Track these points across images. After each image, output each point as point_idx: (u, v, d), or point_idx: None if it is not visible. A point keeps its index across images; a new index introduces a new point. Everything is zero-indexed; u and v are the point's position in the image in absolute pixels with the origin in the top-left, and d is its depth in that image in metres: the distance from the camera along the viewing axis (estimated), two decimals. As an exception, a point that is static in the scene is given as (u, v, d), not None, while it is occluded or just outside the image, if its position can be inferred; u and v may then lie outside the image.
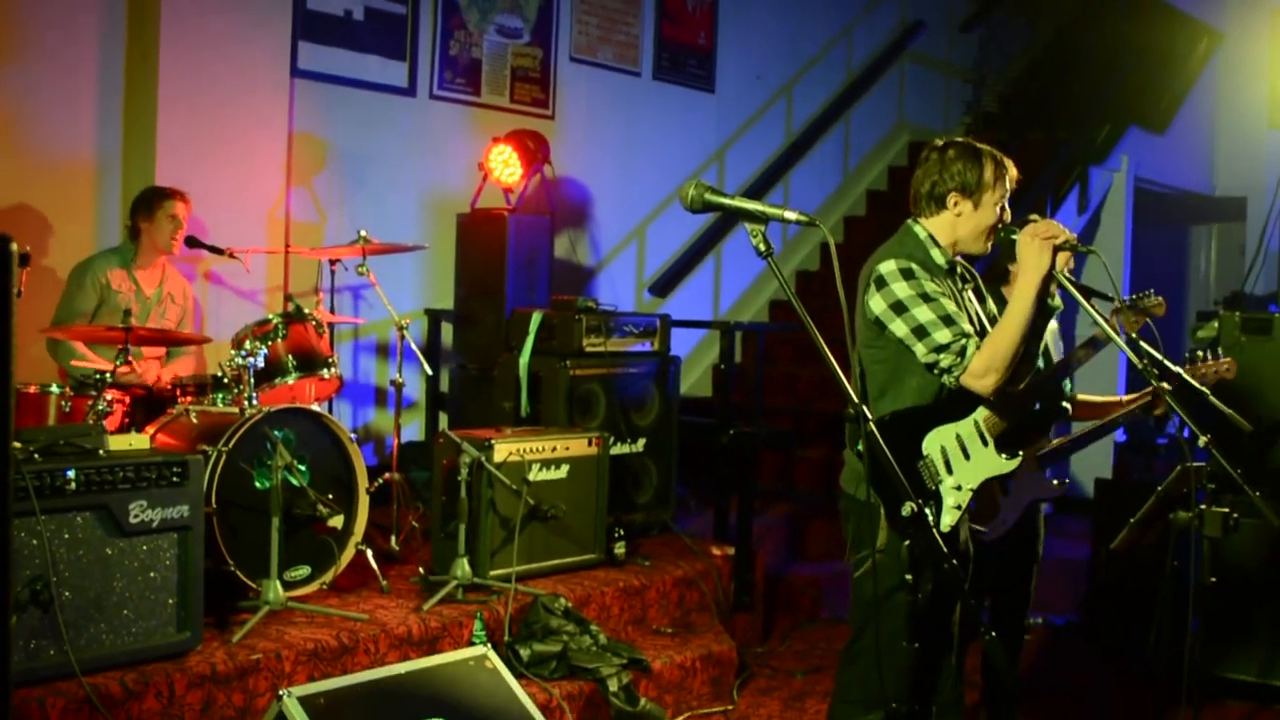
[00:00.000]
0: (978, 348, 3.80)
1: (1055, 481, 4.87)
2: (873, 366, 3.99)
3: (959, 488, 3.88)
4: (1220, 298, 14.21)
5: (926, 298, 3.85)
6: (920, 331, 3.83)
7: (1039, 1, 12.93)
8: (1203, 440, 3.65)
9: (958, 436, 3.92)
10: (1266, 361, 5.97)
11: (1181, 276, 15.41)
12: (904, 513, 3.05)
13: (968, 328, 3.85)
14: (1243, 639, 5.97)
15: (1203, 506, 3.86)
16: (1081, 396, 5.16)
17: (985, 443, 3.93)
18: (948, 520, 3.84)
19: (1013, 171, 4.04)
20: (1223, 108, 13.32)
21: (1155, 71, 12.29)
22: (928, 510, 3.08)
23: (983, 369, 3.79)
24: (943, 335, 3.81)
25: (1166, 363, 3.93)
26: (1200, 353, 4.81)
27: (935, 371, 3.86)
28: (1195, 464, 3.87)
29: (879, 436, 3.06)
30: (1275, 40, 7.05)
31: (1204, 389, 3.92)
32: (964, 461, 3.91)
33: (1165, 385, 3.78)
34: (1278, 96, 6.95)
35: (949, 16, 12.33)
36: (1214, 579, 3.93)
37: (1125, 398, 5.11)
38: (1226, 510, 3.82)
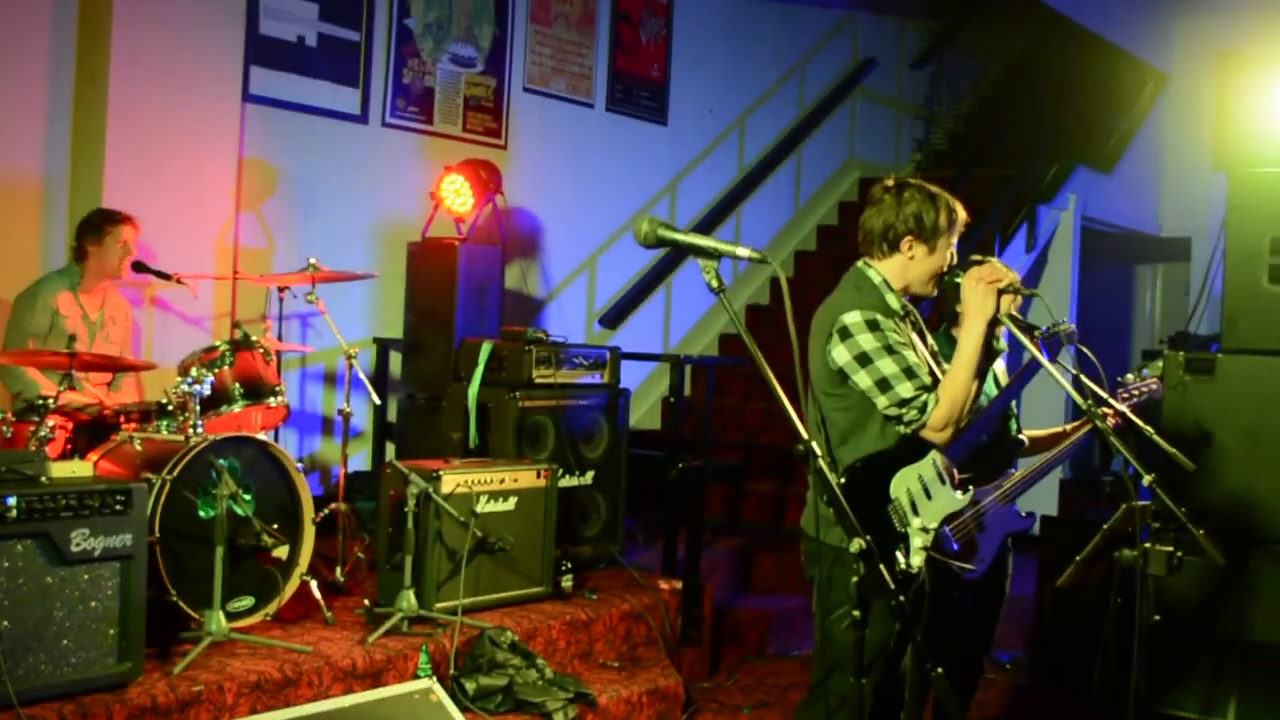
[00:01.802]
0: (938, 401, 3.82)
1: (1024, 514, 4.90)
2: (834, 414, 3.99)
3: (925, 529, 3.89)
4: (1165, 337, 14.36)
5: (890, 350, 3.87)
6: (884, 384, 3.86)
7: (989, 40, 13.09)
8: (1147, 479, 3.67)
9: (920, 477, 3.94)
10: (1210, 401, 6.03)
11: (1127, 316, 15.56)
12: (852, 549, 3.05)
13: (927, 379, 3.88)
14: (1186, 676, 6.00)
15: (1147, 545, 3.88)
16: (1028, 432, 5.19)
17: (943, 481, 3.95)
18: (917, 561, 3.84)
19: (961, 214, 4.05)
20: (1168, 149, 13.50)
21: (1103, 112, 12.45)
22: (899, 553, 3.11)
23: (942, 422, 3.83)
24: (905, 389, 3.84)
25: (1112, 401, 3.97)
26: (1129, 375, 4.87)
27: (896, 424, 3.88)
28: (1140, 503, 3.90)
29: (826, 471, 3.06)
30: (1220, 83, 7.13)
31: (1148, 428, 3.95)
32: (927, 502, 3.93)
33: (1108, 420, 3.83)
34: (1222, 139, 7.02)
35: (900, 54, 12.46)
36: (1158, 617, 3.95)
37: (1070, 427, 5.14)
38: (1170, 549, 3.85)
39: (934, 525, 3.93)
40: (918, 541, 3.88)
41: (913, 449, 3.94)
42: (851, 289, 4.04)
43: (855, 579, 3.14)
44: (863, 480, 3.84)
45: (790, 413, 3.00)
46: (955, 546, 4.65)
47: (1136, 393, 4.78)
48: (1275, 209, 5.98)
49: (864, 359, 3.87)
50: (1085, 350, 4.13)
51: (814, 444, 3.04)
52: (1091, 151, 12.18)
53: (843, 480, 3.78)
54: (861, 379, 3.88)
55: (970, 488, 4.02)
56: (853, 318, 3.91)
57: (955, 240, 4.04)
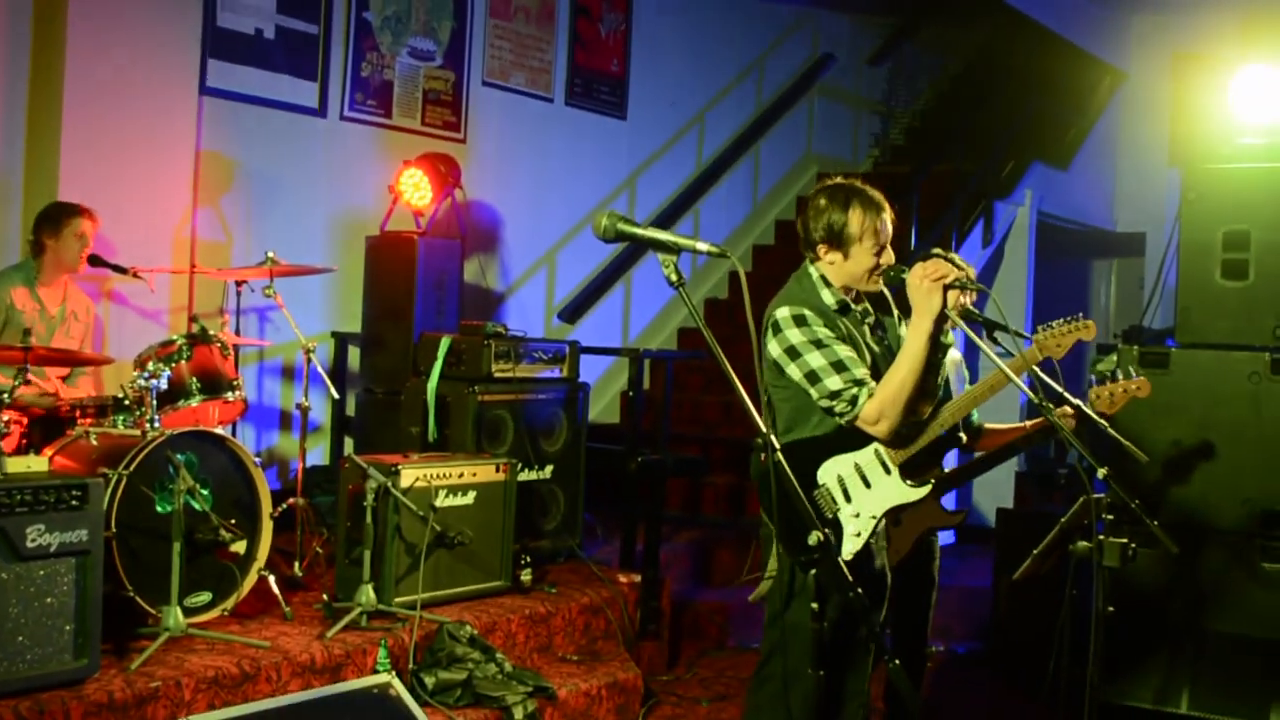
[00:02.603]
0: (870, 395, 3.85)
1: (953, 510, 4.92)
2: (780, 404, 4.08)
3: (858, 515, 3.93)
4: (1120, 331, 14.47)
5: (819, 344, 3.93)
6: (813, 377, 3.92)
7: (947, 37, 13.16)
8: (1101, 472, 3.71)
9: (856, 465, 3.97)
10: (1163, 394, 6.08)
11: (1083, 310, 15.55)
12: (810, 541, 3.07)
13: (861, 372, 3.92)
14: (1140, 667, 6.07)
15: (1101, 537, 3.93)
16: (987, 425, 5.22)
17: (888, 471, 3.98)
18: (848, 548, 3.89)
19: (886, 216, 4.04)
20: (1124, 145, 13.61)
21: (1060, 109, 12.54)
22: (812, 539, 3.12)
23: (875, 415, 3.87)
24: (834, 382, 3.89)
25: (1066, 395, 3.99)
26: (1116, 372, 4.88)
27: (831, 415, 3.92)
28: (1095, 495, 3.93)
29: (785, 466, 3.08)
30: (1176, 81, 7.20)
31: (1102, 421, 3.98)
32: (864, 490, 3.96)
33: (1064, 414, 3.86)
34: (1177, 135, 7.09)
35: (858, 50, 12.51)
36: (1112, 608, 3.99)
37: (1028, 424, 5.18)
38: (1125, 540, 3.89)
39: (876, 514, 3.96)
40: (850, 529, 3.92)
41: (851, 438, 3.97)
42: (794, 284, 4.13)
43: (814, 572, 3.17)
44: (790, 465, 3.87)
45: (749, 406, 3.02)
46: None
47: (1115, 393, 4.76)
48: (1228, 204, 6.04)
49: (793, 352, 3.95)
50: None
51: (772, 437, 3.07)
52: (1048, 148, 12.27)
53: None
54: (793, 371, 3.96)
55: (932, 481, 4.04)
56: (781, 313, 4.01)
57: (883, 240, 4.02)
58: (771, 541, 4.08)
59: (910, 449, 4.00)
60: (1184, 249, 6.17)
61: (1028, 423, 5.19)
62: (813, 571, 3.19)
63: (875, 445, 3.98)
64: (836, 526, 3.90)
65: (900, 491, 3.99)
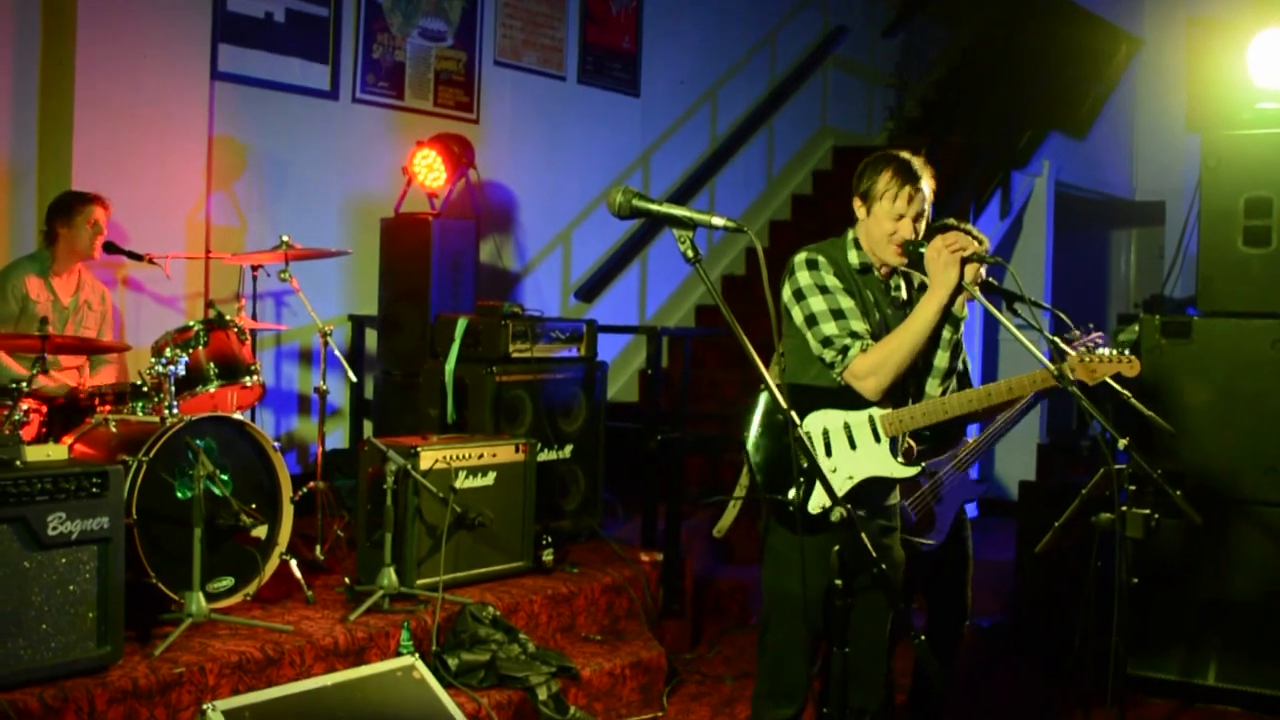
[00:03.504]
0: (864, 350, 3.82)
1: (979, 480, 4.90)
2: (789, 353, 4.04)
3: (834, 471, 3.86)
4: (1140, 301, 14.41)
5: (824, 289, 3.91)
6: (811, 320, 3.90)
7: (960, 7, 13.06)
8: (1123, 443, 3.68)
9: (846, 424, 3.91)
10: (1186, 363, 6.06)
11: (1102, 280, 15.61)
12: (833, 519, 3.05)
13: (858, 325, 3.88)
14: (1165, 638, 6.04)
15: (1124, 508, 3.90)
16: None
17: (878, 440, 3.92)
18: (817, 501, 3.80)
19: (919, 187, 3.95)
20: (1142, 113, 13.53)
21: (1076, 77, 12.45)
22: (792, 492, 3.13)
23: (865, 371, 3.83)
24: (830, 328, 3.86)
25: (1048, 364, 3.89)
26: (1109, 344, 4.82)
27: (822, 364, 3.89)
28: (1118, 466, 3.90)
29: (805, 441, 3.06)
30: (1192, 47, 7.15)
31: (1125, 392, 3.94)
32: (848, 449, 3.90)
33: (1078, 389, 3.78)
34: (1195, 101, 7.04)
35: (871, 22, 12.42)
36: (1136, 579, 3.97)
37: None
38: (1148, 511, 3.86)
39: (855, 476, 3.88)
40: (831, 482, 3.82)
41: (849, 395, 3.91)
42: (828, 240, 4.09)
43: (836, 547, 3.15)
44: (770, 409, 3.85)
45: (769, 382, 3.00)
46: (914, 520, 4.66)
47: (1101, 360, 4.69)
48: (1249, 171, 6.00)
49: (799, 295, 3.94)
50: (1061, 315, 4.11)
51: (793, 413, 3.04)
52: (1065, 117, 12.18)
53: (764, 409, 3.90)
54: (796, 314, 3.95)
55: (921, 464, 3.97)
56: (798, 257, 4.00)
57: (907, 208, 3.93)
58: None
59: (908, 424, 3.93)
60: (1205, 217, 6.13)
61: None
62: (835, 547, 3.16)
63: (871, 411, 3.92)
64: (809, 477, 3.81)
65: (886, 464, 3.91)
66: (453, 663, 5.04)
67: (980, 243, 4.22)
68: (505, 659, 5.16)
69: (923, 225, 3.97)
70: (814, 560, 3.54)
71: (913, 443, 3.98)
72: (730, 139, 10.82)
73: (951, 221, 4.81)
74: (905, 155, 4.02)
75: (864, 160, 4.08)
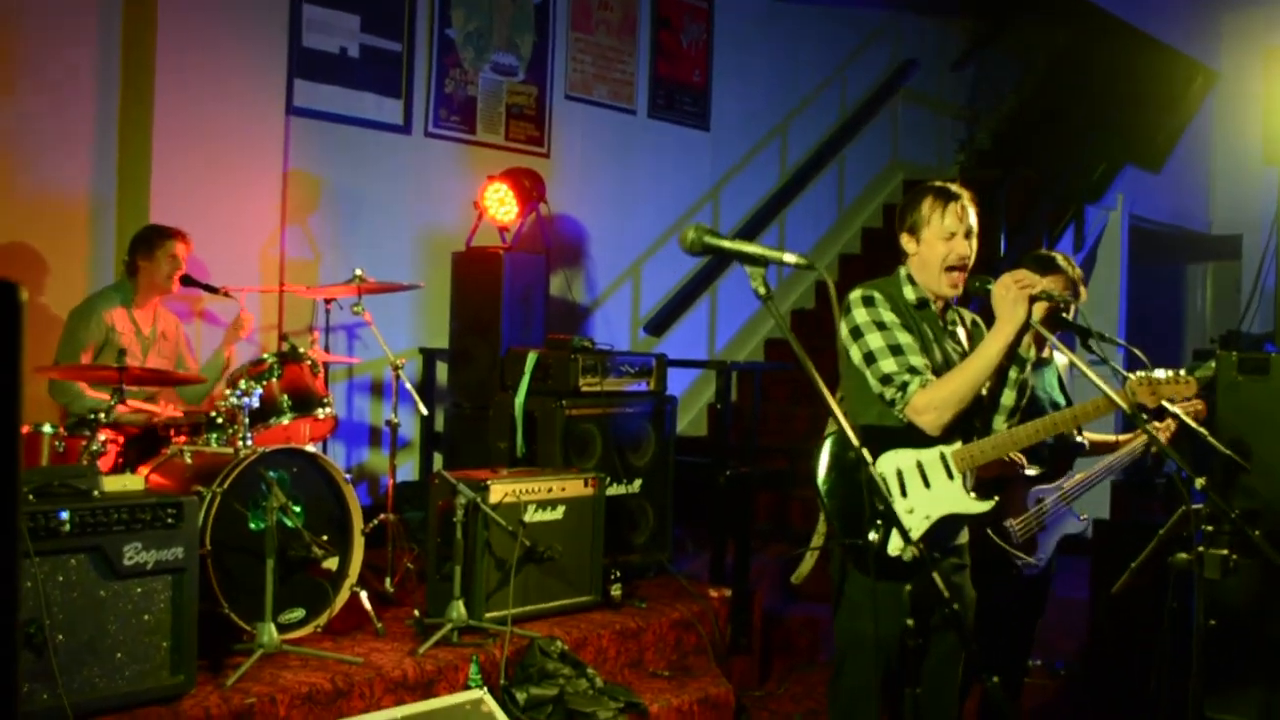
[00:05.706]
0: (924, 385, 3.79)
1: (1081, 517, 4.87)
2: (850, 392, 4.03)
3: (911, 512, 3.85)
4: (1217, 336, 14.20)
5: (881, 325, 3.90)
6: (870, 358, 3.89)
7: (1031, 39, 12.99)
8: (1199, 482, 3.63)
9: (919, 462, 3.89)
10: (1264, 401, 5.95)
11: (1178, 315, 15.41)
12: (905, 557, 3.04)
13: (917, 361, 3.85)
14: (1242, 682, 5.93)
15: (1201, 549, 3.84)
16: (1087, 435, 5.14)
17: (950, 476, 3.90)
18: (895, 544, 3.79)
19: (962, 204, 3.94)
20: (1218, 145, 13.38)
21: (1150, 110, 12.34)
22: (874, 533, 3.12)
23: (925, 405, 3.80)
24: (889, 365, 3.85)
25: (1164, 404, 3.90)
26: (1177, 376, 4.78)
27: (882, 401, 3.87)
28: (1194, 506, 3.85)
29: (876, 478, 3.04)
30: (1269, 78, 7.07)
31: (1201, 430, 3.89)
32: (923, 489, 3.88)
33: (1158, 426, 3.76)
34: (1272, 133, 6.95)
35: (941, 55, 12.39)
36: (1213, 621, 3.90)
37: (1123, 437, 5.10)
38: (1225, 552, 3.80)
39: (932, 515, 3.87)
40: (906, 523, 3.81)
41: (916, 434, 3.89)
42: (882, 278, 4.08)
43: (909, 587, 3.13)
44: (843, 450, 3.82)
45: (839, 417, 2.98)
46: (1017, 542, 4.65)
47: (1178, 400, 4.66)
48: (1328, 205, 5.91)
49: (856, 332, 3.93)
50: (1136, 352, 4.07)
51: (864, 451, 3.02)
52: (1139, 149, 12.07)
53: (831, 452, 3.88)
54: (854, 352, 3.93)
55: (995, 497, 3.95)
56: (854, 293, 4.00)
57: (956, 228, 3.93)
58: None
59: (979, 459, 3.91)
60: (1283, 252, 6.04)
61: (1120, 436, 5.12)
62: (907, 587, 3.14)
63: (942, 449, 3.91)
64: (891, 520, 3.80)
65: (961, 500, 3.90)
66: (521, 697, 5.04)
67: (1072, 269, 4.28)
68: (573, 694, 5.15)
69: (974, 243, 3.97)
70: (887, 603, 3.51)
71: (1023, 460, 3.98)
72: (800, 172, 10.81)
73: (1043, 252, 4.85)
74: (939, 182, 4.04)
75: (900, 203, 4.10)
